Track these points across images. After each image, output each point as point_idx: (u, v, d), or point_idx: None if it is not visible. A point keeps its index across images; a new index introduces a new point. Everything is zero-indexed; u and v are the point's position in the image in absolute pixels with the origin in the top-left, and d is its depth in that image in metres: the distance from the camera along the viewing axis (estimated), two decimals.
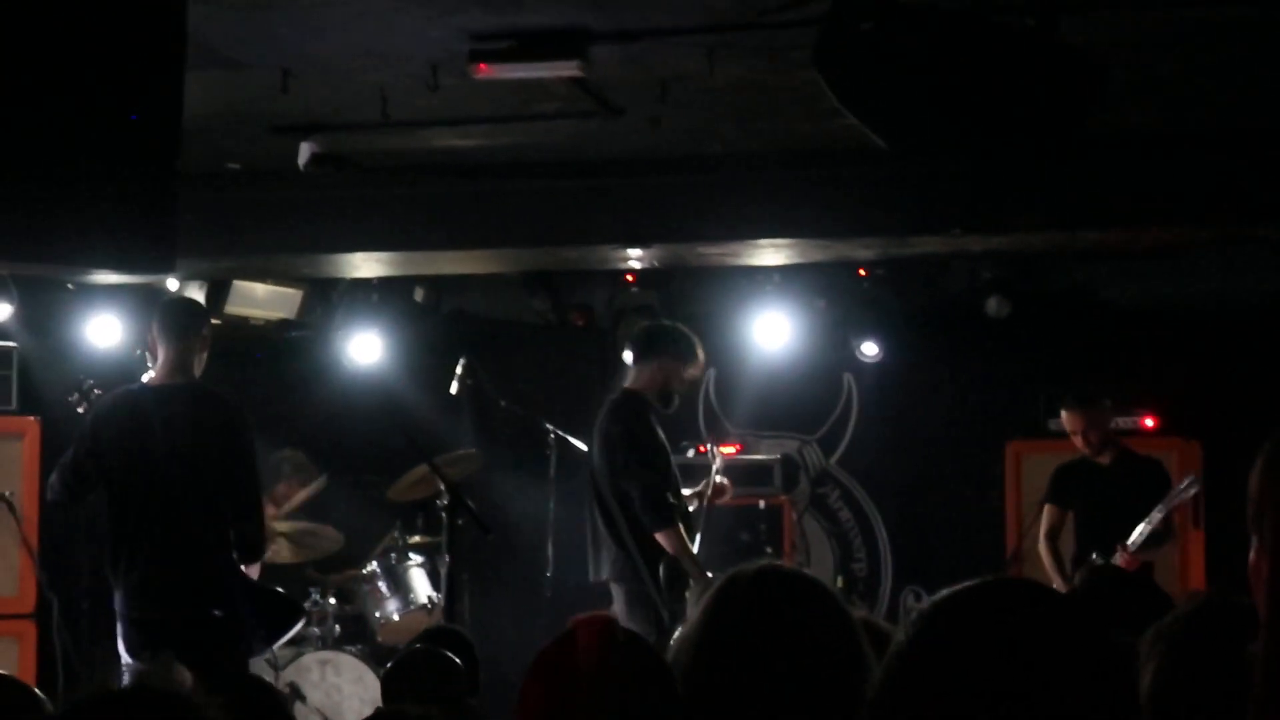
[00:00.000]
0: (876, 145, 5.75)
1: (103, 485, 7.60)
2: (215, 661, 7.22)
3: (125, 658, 7.55)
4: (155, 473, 7.46)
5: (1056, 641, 1.96)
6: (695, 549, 8.27)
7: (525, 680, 2.77)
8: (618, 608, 8.24)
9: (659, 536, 8.16)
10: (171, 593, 7.44)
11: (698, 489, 8.72)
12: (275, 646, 8.28)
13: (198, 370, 7.68)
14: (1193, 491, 9.10)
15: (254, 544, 7.69)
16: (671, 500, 8.30)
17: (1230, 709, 2.56)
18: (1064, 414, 9.57)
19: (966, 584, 2.04)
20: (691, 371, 8.54)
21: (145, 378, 7.75)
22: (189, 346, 7.65)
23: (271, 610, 7.78)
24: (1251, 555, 2.10)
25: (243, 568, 7.63)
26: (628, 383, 8.52)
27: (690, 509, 8.54)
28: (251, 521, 7.64)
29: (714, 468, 8.86)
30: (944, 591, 2.04)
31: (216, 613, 7.40)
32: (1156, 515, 8.97)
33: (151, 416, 7.52)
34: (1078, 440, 9.50)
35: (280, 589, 8.22)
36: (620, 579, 8.28)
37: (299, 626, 8.12)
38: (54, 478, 7.76)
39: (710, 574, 7.96)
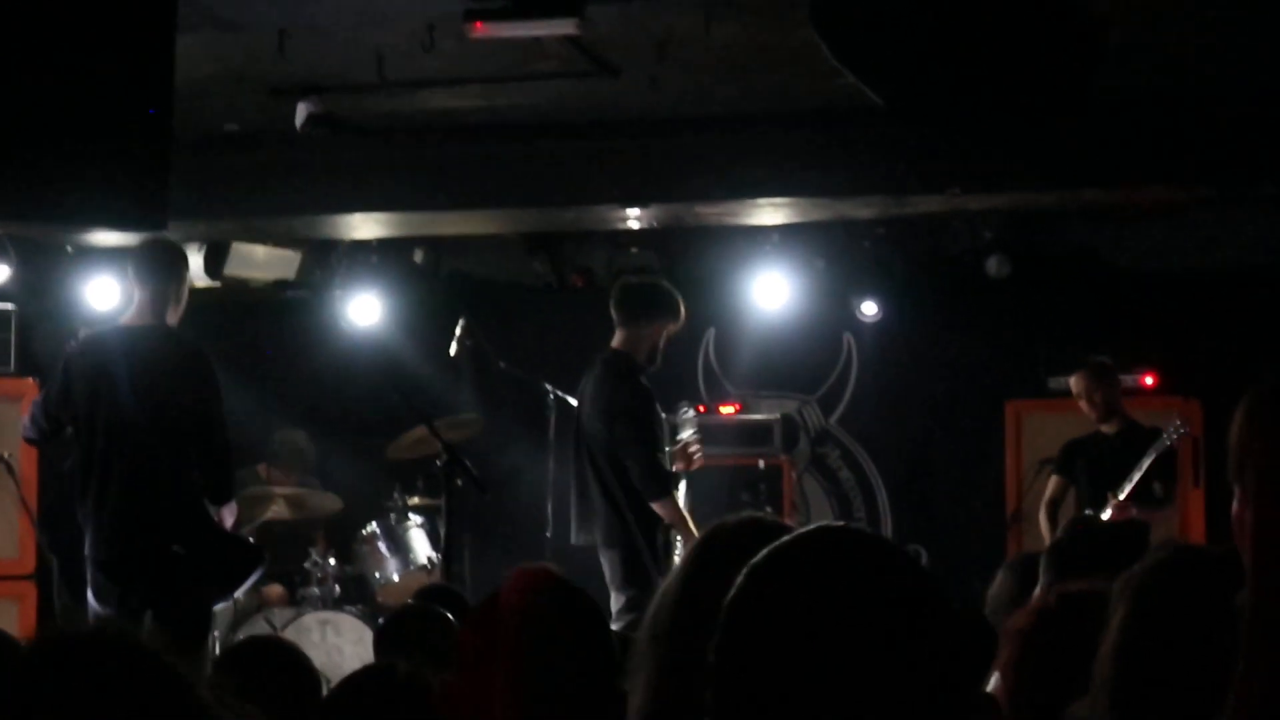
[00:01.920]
0: (875, 104, 5.73)
1: (71, 427, 7.63)
2: (176, 601, 7.28)
3: (93, 605, 7.57)
4: (118, 413, 7.48)
5: (874, 586, 1.96)
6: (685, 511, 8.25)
7: (460, 629, 2.79)
8: (609, 573, 8.19)
9: (656, 506, 8.11)
10: (133, 531, 7.46)
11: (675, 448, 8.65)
12: (237, 594, 8.23)
13: (172, 317, 7.65)
14: (1181, 434, 9.11)
15: (220, 485, 7.67)
16: (668, 468, 8.26)
17: (1197, 657, 2.56)
18: (1074, 379, 9.56)
19: (791, 536, 2.06)
20: (674, 328, 8.48)
21: (120, 320, 7.78)
22: (163, 291, 7.62)
23: (232, 554, 7.74)
24: (1235, 506, 2.12)
25: (214, 511, 7.62)
26: (616, 343, 8.43)
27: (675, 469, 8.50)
28: (216, 463, 7.61)
29: (690, 432, 8.74)
30: (771, 546, 2.05)
31: (176, 549, 7.41)
32: (1145, 462, 9.00)
33: (117, 357, 7.54)
34: (1083, 404, 9.50)
35: (244, 536, 8.16)
36: (612, 544, 8.21)
37: (259, 574, 8.04)
38: (26, 417, 7.80)
39: None
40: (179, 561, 7.42)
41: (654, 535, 8.13)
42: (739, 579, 2.02)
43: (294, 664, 3.93)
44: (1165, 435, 9.09)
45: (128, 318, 7.70)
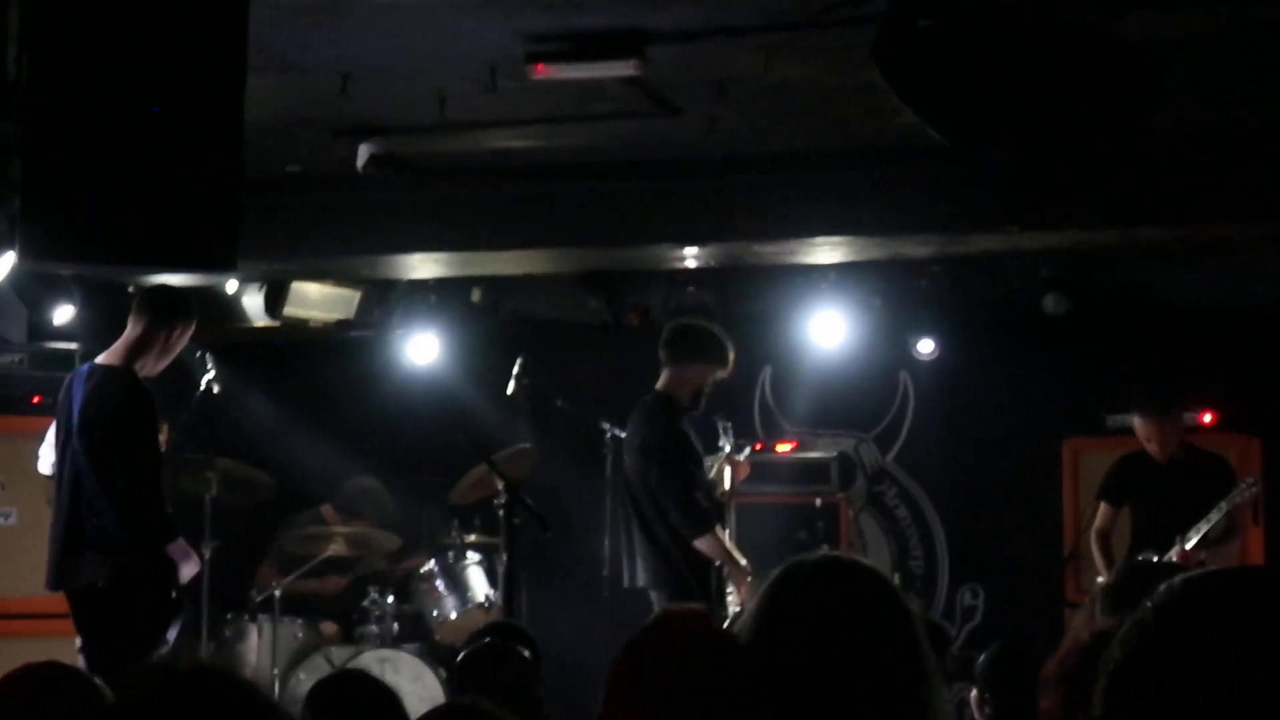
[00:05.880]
0: (934, 142, 5.74)
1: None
2: (94, 635, 7.33)
3: None
4: (64, 451, 7.56)
5: None
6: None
7: (616, 666, 2.79)
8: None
9: (698, 544, 8.14)
10: (62, 563, 7.51)
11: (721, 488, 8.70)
12: (163, 646, 7.93)
13: (145, 363, 7.66)
14: (1253, 492, 9.03)
15: (140, 529, 7.50)
16: (705, 504, 8.27)
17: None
18: (1138, 421, 9.41)
19: (1229, 568, 1.97)
20: (722, 374, 8.51)
21: (99, 357, 7.83)
22: (146, 337, 7.65)
23: (146, 601, 7.50)
24: None
25: (170, 554, 7.55)
26: (660, 384, 8.48)
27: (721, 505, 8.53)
28: (127, 506, 7.47)
29: (725, 466, 8.79)
30: (1200, 571, 1.96)
31: (99, 584, 7.41)
32: (1215, 515, 8.90)
33: (75, 394, 7.62)
34: (1151, 447, 9.38)
35: (173, 586, 7.68)
36: (660, 585, 8.25)
37: (174, 628, 7.83)
38: None
39: (755, 572, 7.96)
40: (97, 596, 7.44)
41: (706, 576, 8.15)
42: (1161, 601, 1.91)
43: (386, 701, 3.96)
44: (1236, 492, 8.96)
45: (104, 355, 7.77)
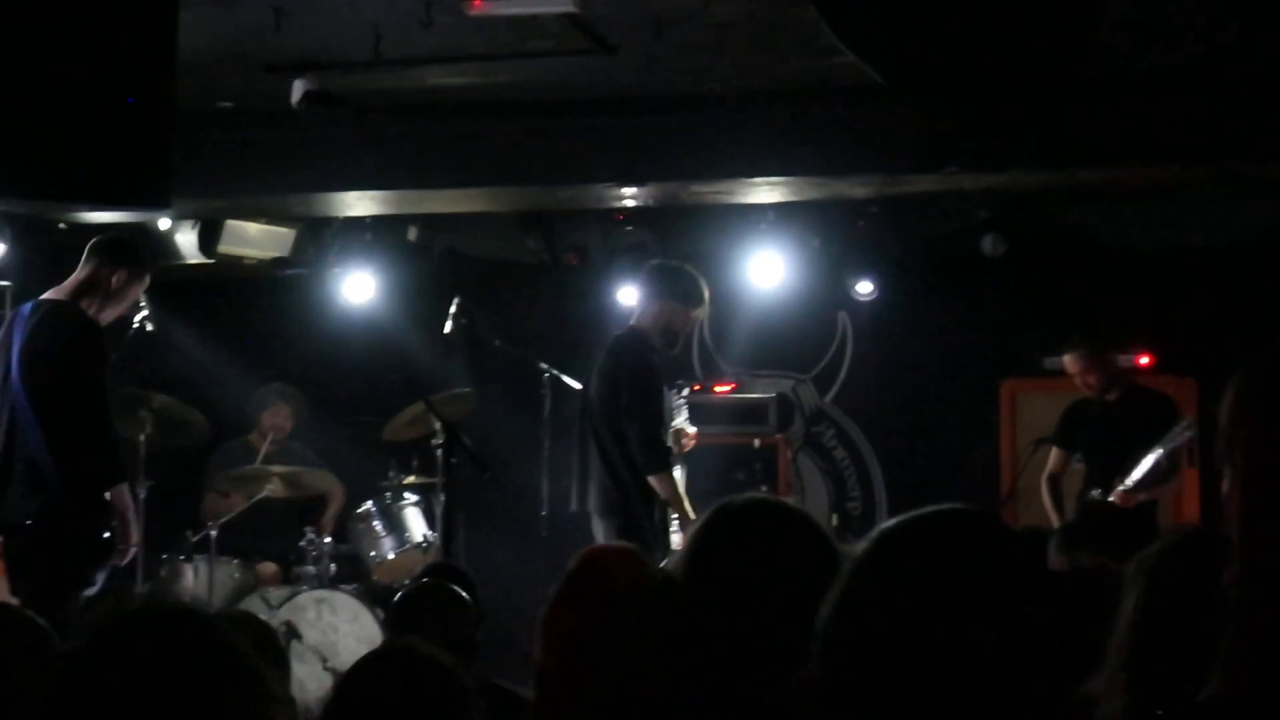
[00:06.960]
0: (874, 83, 5.73)
1: None
2: (23, 574, 7.26)
3: None
4: (3, 387, 7.50)
5: (999, 568, 2.05)
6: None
7: (552, 608, 2.79)
8: (601, 541, 8.26)
9: (652, 480, 8.19)
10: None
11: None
12: (89, 589, 7.84)
13: (90, 305, 7.58)
14: (1189, 434, 9.07)
15: (79, 466, 7.43)
16: (668, 444, 8.33)
17: (1207, 637, 2.59)
18: (1066, 359, 9.52)
19: (926, 509, 2.10)
20: (697, 314, 8.55)
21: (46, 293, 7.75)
22: (91, 278, 7.60)
23: (74, 543, 7.43)
24: (1224, 485, 2.14)
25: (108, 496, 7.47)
26: (633, 320, 8.56)
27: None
28: (71, 442, 7.41)
29: (682, 418, 8.83)
30: (904, 515, 2.12)
31: (26, 520, 7.35)
32: (1151, 458, 8.95)
33: (14, 331, 7.54)
34: (1078, 382, 9.47)
35: (106, 529, 7.59)
36: (609, 513, 8.29)
37: (101, 572, 7.73)
38: None
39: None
40: (24, 533, 7.38)
41: (653, 510, 8.20)
42: (870, 543, 2.06)
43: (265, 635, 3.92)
44: (1173, 434, 9.00)
45: (50, 292, 7.69)
